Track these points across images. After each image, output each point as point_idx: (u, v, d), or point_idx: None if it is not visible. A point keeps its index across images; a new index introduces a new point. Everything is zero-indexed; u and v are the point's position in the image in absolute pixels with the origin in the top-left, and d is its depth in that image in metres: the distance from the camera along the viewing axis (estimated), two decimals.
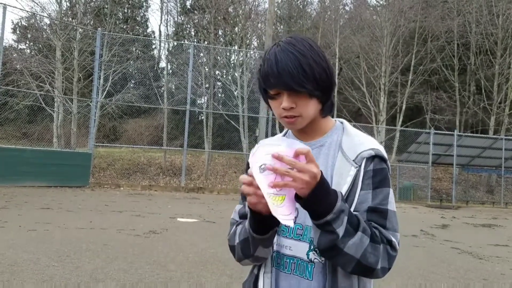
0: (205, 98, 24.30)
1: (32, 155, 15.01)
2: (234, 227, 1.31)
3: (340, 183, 1.17)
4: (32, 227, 6.70)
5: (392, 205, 1.21)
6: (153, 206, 11.05)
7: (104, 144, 21.92)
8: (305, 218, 1.18)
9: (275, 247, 1.26)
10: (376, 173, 1.19)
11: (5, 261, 4.67)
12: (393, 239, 1.17)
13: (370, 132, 25.10)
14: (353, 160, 1.19)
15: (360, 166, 1.18)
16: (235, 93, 22.42)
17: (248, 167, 1.38)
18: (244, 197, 1.35)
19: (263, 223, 1.12)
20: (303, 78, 1.14)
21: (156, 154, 23.25)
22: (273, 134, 18.40)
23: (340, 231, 1.06)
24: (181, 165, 19.36)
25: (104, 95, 19.68)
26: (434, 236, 8.88)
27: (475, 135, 23.71)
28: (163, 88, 23.54)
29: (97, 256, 5.17)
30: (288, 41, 1.18)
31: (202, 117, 24.70)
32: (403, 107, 26.92)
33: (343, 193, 1.15)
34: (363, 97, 26.61)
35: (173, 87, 25.35)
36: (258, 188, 1.01)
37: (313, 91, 1.16)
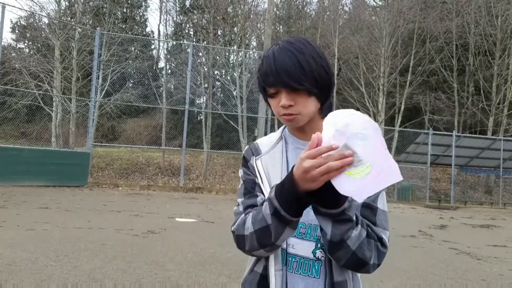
0: (204, 98, 24.32)
1: (31, 155, 14.99)
2: (243, 215, 1.25)
3: None
4: (30, 227, 6.69)
5: (382, 205, 1.23)
6: (152, 206, 11.04)
7: (102, 144, 21.89)
8: (308, 216, 1.18)
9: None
10: None
11: (3, 260, 4.66)
12: (383, 236, 1.18)
13: None
14: None
15: None
16: (234, 93, 22.42)
17: (245, 161, 1.36)
18: (252, 189, 1.30)
19: (303, 203, 1.07)
20: (301, 76, 1.15)
21: (154, 154, 23.25)
22: None
23: (354, 219, 1.08)
24: (180, 165, 19.35)
25: (102, 94, 19.67)
26: (433, 236, 8.89)
27: (473, 135, 23.74)
28: (162, 88, 23.52)
29: (96, 255, 5.16)
30: (287, 40, 1.20)
31: (201, 117, 24.71)
32: (402, 108, 26.95)
33: None
34: (362, 98, 26.64)
35: (172, 87, 25.35)
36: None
37: (311, 89, 1.17)
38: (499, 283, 5.22)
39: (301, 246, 1.23)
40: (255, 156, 1.32)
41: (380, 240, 1.17)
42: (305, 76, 1.15)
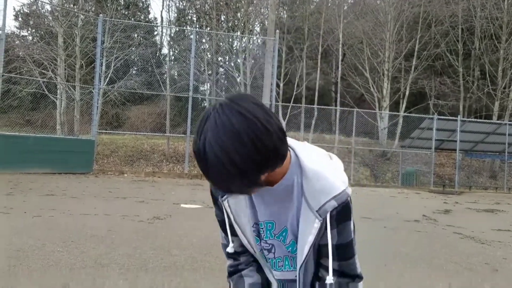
0: (208, 84, 24.28)
1: (36, 142, 15.06)
2: (229, 279, 1.50)
3: (306, 232, 1.22)
4: (37, 213, 6.76)
5: (352, 232, 1.27)
6: (157, 193, 11.11)
7: (107, 131, 21.95)
8: (280, 250, 1.30)
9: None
10: (340, 214, 1.21)
11: (11, 246, 4.72)
12: (358, 271, 1.27)
13: (373, 118, 25.06)
14: (317, 211, 1.19)
15: (324, 218, 1.20)
16: (238, 79, 22.36)
17: (214, 200, 1.37)
18: (224, 231, 1.41)
19: None
20: (228, 185, 1.05)
21: (159, 141, 23.30)
22: None
23: None
24: (185, 152, 19.41)
25: (106, 82, 19.66)
26: (437, 221, 8.90)
27: (478, 120, 23.61)
28: (165, 75, 23.48)
29: (102, 241, 5.22)
30: (213, 127, 1.00)
31: (205, 104, 24.69)
32: (407, 93, 26.80)
33: (310, 242, 1.21)
34: (366, 83, 26.49)
35: (176, 74, 25.27)
36: None
37: (244, 188, 1.08)
38: (503, 267, 5.25)
39: (285, 276, 1.36)
40: (221, 197, 1.32)
41: (358, 276, 1.27)
42: (231, 181, 1.02)
